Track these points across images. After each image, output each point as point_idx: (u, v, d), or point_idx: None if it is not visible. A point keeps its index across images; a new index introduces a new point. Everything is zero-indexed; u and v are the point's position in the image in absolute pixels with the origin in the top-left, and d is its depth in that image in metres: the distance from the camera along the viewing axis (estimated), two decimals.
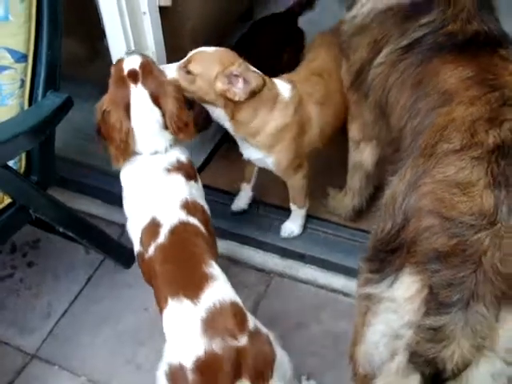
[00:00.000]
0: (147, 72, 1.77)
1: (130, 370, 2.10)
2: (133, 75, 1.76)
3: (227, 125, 1.95)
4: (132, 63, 1.79)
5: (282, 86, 1.96)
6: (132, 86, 1.76)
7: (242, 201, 2.38)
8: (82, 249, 2.42)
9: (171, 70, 1.84)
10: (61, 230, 2.05)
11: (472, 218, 1.27)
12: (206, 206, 1.84)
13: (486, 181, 1.30)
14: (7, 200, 1.87)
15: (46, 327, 2.23)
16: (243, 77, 1.78)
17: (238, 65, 1.79)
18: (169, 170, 1.77)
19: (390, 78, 1.68)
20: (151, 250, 1.65)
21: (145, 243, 1.68)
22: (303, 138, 2.02)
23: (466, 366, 1.26)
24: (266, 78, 1.87)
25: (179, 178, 1.78)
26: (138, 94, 1.76)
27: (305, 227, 2.31)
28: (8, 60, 1.83)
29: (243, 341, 1.48)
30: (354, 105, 1.96)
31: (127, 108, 1.76)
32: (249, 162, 2.16)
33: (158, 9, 2.05)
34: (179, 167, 1.80)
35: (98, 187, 2.55)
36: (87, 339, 2.19)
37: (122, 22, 1.96)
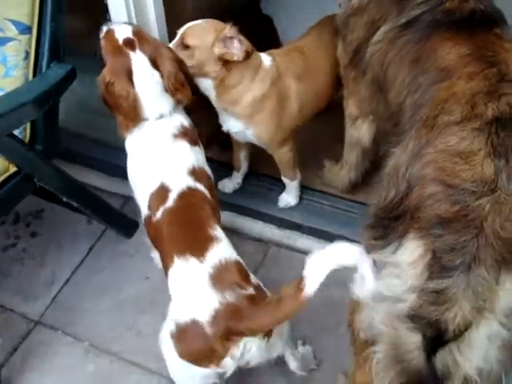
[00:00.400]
0: (142, 38, 1.83)
1: (132, 335, 2.15)
2: (129, 43, 1.81)
3: (212, 93, 2.02)
4: (124, 32, 1.83)
5: (264, 57, 2.04)
6: (131, 53, 1.80)
7: (232, 182, 2.44)
8: (85, 219, 2.47)
9: None
10: (64, 199, 2.10)
11: (473, 185, 1.32)
12: (209, 172, 1.90)
13: (486, 150, 1.35)
14: (12, 169, 1.91)
15: (50, 295, 2.28)
16: (237, 38, 1.87)
17: (230, 28, 1.88)
18: (175, 136, 1.83)
19: (388, 55, 1.73)
20: (159, 213, 1.71)
21: (153, 207, 1.73)
22: (283, 113, 2.08)
23: (466, 327, 1.31)
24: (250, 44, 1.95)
25: (185, 144, 1.83)
26: (139, 60, 1.80)
27: (301, 198, 2.37)
28: (12, 32, 1.86)
29: (251, 290, 1.56)
30: (352, 82, 2.00)
31: (129, 75, 1.80)
32: (236, 150, 2.28)
33: None
34: (184, 132, 1.85)
35: (100, 159, 2.59)
36: (90, 306, 2.24)
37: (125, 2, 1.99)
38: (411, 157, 1.45)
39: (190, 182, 1.77)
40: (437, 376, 1.37)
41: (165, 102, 1.85)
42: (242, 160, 2.38)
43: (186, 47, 1.90)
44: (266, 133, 2.09)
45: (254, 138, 2.12)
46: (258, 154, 2.42)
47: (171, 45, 1.93)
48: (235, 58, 1.90)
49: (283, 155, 2.20)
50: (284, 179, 2.31)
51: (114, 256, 2.38)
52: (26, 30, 1.87)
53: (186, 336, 1.55)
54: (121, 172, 2.40)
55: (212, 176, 1.91)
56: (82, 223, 2.49)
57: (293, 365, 1.87)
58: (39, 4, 1.86)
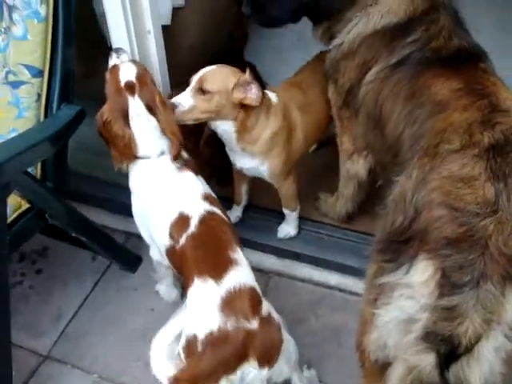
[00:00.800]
0: (143, 83, 1.91)
1: (140, 366, 2.19)
2: (130, 87, 1.90)
3: (232, 137, 2.09)
4: (128, 73, 1.92)
5: (270, 94, 2.14)
6: (130, 98, 1.90)
7: (232, 215, 2.50)
8: (89, 256, 2.53)
9: (186, 99, 1.96)
10: (73, 234, 2.18)
11: (477, 207, 1.44)
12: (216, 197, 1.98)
13: (486, 175, 1.48)
14: (25, 205, 2.00)
15: (57, 329, 2.33)
16: (254, 83, 1.95)
17: (248, 74, 1.96)
18: (179, 168, 1.92)
19: (381, 93, 1.86)
20: (182, 239, 1.79)
21: (175, 236, 1.81)
22: (292, 143, 2.19)
23: (477, 340, 1.41)
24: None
25: (190, 175, 1.93)
26: (136, 106, 1.90)
27: (299, 229, 2.47)
28: (26, 76, 1.96)
29: (254, 324, 1.63)
30: (346, 120, 2.13)
31: (126, 116, 1.89)
32: (237, 185, 2.40)
33: (161, 28, 2.21)
34: (187, 164, 1.94)
35: (101, 197, 2.67)
36: (97, 339, 2.29)
37: (129, 40, 2.10)
38: (416, 184, 1.56)
39: (207, 206, 1.86)
40: None
41: (163, 141, 1.94)
42: (243, 194, 2.47)
43: (204, 92, 1.95)
44: (278, 166, 2.19)
45: (267, 172, 2.21)
46: (255, 188, 2.53)
47: (187, 92, 1.98)
48: (254, 103, 1.97)
49: (288, 187, 2.30)
50: (285, 210, 2.41)
51: (118, 290, 2.45)
52: (38, 73, 1.96)
53: (190, 349, 1.63)
54: (123, 209, 2.50)
55: None
56: (87, 260, 2.55)
57: None
58: (51, 50, 1.96)
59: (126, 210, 2.49)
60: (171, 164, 1.93)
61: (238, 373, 1.60)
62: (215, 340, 1.59)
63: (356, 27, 1.91)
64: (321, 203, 2.52)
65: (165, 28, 2.32)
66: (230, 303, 1.64)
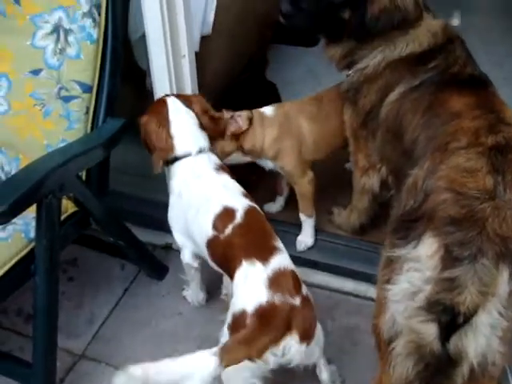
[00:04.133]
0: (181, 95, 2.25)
1: None
2: (168, 95, 2.23)
3: (244, 158, 2.47)
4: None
5: (266, 109, 2.46)
6: (167, 98, 2.19)
7: (276, 205, 2.79)
8: (118, 265, 2.71)
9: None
10: (111, 239, 2.36)
11: (478, 193, 1.67)
12: None
13: (487, 169, 1.72)
14: (72, 209, 2.19)
15: (91, 331, 2.47)
16: (234, 116, 2.35)
17: (225, 113, 2.35)
18: (217, 169, 2.13)
19: (403, 107, 2.09)
20: (228, 230, 1.97)
21: (220, 227, 1.99)
22: (301, 147, 2.47)
23: (475, 310, 1.59)
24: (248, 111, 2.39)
25: (227, 176, 2.13)
26: (173, 102, 2.18)
27: (316, 239, 2.66)
28: (77, 91, 2.17)
29: (297, 301, 1.81)
30: (363, 140, 2.36)
31: (166, 116, 2.15)
32: (277, 178, 2.68)
33: (194, 52, 2.45)
34: (222, 167, 2.16)
35: (127, 210, 2.84)
36: (128, 341, 2.43)
37: (167, 64, 2.34)
38: (427, 173, 1.81)
39: (249, 201, 2.06)
40: (451, 361, 1.64)
41: (202, 138, 2.17)
42: (284, 185, 2.75)
43: None
44: (290, 165, 2.48)
45: (282, 169, 2.51)
46: None
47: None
48: (244, 128, 2.34)
49: (304, 186, 2.53)
50: (302, 217, 2.60)
51: (148, 296, 2.60)
52: (88, 89, 2.17)
53: (237, 324, 1.80)
54: (149, 222, 2.69)
55: None
56: (116, 268, 2.72)
57: (324, 375, 2.10)
58: (100, 68, 2.18)
59: (152, 223, 2.71)
60: (210, 163, 2.14)
61: (281, 346, 1.77)
62: (264, 311, 1.77)
63: (382, 53, 2.15)
64: (334, 216, 2.71)
65: None
66: (276, 281, 1.82)
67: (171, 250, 2.75)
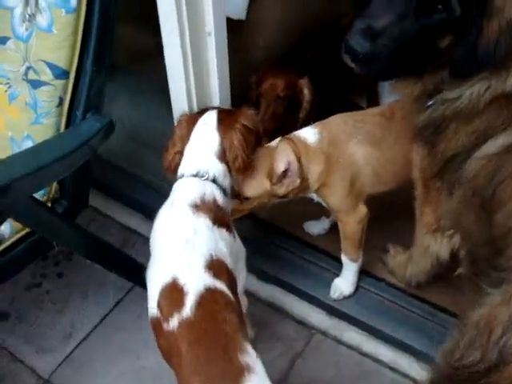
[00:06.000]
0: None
1: None
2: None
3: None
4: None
5: (307, 135, 1.86)
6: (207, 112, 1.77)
7: (318, 226, 2.25)
8: None
9: None
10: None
11: None
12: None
13: None
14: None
15: (64, 351, 2.09)
16: (288, 173, 1.80)
17: (278, 165, 1.80)
18: (195, 207, 1.56)
19: (502, 169, 1.44)
20: (173, 322, 1.41)
21: (164, 310, 1.46)
22: (355, 180, 1.86)
23: None
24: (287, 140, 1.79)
25: (204, 222, 1.55)
26: (208, 115, 1.74)
27: (357, 286, 2.07)
28: (47, 76, 1.63)
29: None
30: (435, 191, 1.72)
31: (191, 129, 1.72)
32: None
33: (225, 27, 1.79)
34: (209, 207, 1.58)
35: (141, 201, 2.37)
36: (103, 369, 2.04)
37: (181, 45, 1.72)
38: None
39: (211, 279, 1.44)
40: None
41: (207, 163, 1.67)
42: None
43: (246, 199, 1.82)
44: (335, 199, 1.91)
45: (325, 203, 1.95)
46: None
47: None
48: (297, 185, 1.79)
49: (350, 225, 1.94)
50: (343, 257, 2.02)
51: (139, 315, 2.14)
52: (61, 74, 1.62)
53: None
54: None
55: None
56: (112, 273, 2.27)
57: None
58: (80, 46, 1.60)
59: None
60: (192, 193, 1.59)
61: None
62: None
63: (486, 81, 1.42)
64: (389, 258, 2.11)
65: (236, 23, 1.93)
66: None
67: None
